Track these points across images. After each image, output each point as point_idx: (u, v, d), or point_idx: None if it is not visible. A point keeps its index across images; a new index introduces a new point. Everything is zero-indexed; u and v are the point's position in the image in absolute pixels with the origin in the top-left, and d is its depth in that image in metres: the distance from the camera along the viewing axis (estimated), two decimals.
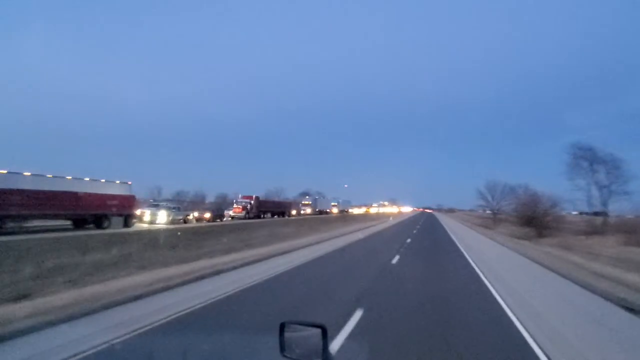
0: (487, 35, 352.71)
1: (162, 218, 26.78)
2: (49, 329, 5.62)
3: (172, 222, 26.97)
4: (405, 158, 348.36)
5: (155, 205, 29.60)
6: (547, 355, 5.07)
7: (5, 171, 17.24)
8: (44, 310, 6.24)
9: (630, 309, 7.86)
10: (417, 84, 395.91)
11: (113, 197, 22.65)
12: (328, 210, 65.94)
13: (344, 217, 54.05)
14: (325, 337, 1.87)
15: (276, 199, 58.80)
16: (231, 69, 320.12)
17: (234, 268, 11.74)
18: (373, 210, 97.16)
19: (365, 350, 4.98)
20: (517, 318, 6.92)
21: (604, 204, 35.26)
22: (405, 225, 48.34)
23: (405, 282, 10.43)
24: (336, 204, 70.09)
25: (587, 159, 35.33)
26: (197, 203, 52.02)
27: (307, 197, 67.16)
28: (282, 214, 47.74)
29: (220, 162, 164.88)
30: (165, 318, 6.31)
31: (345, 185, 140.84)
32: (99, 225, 21.10)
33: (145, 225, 24.31)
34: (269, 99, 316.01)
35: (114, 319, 6.31)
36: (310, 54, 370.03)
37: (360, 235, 27.58)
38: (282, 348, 1.93)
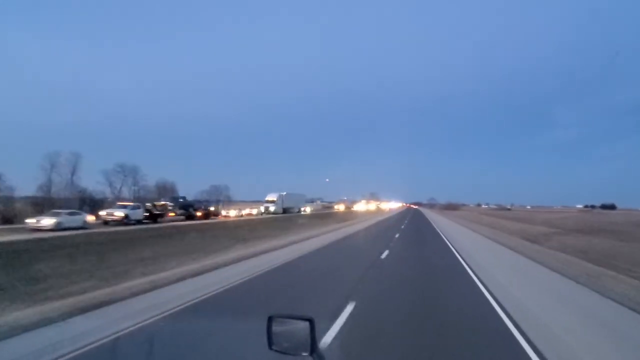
0: (474, 29, 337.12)
1: None
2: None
3: None
4: (395, 152, 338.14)
5: None
6: None
7: None
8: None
9: None
10: (403, 75, 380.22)
11: None
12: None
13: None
14: (313, 330, 1.85)
15: None
16: (199, 63, 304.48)
17: None
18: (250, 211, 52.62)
19: None
20: None
21: None
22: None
23: None
24: None
25: None
26: None
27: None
28: None
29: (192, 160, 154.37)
30: None
31: (327, 180, 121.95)
32: None
33: None
34: (244, 94, 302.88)
35: None
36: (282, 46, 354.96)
37: None
38: (270, 342, 1.94)
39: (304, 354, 1.83)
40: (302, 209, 61.78)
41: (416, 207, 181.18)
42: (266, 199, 53.49)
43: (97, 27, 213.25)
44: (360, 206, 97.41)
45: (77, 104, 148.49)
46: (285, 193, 54.69)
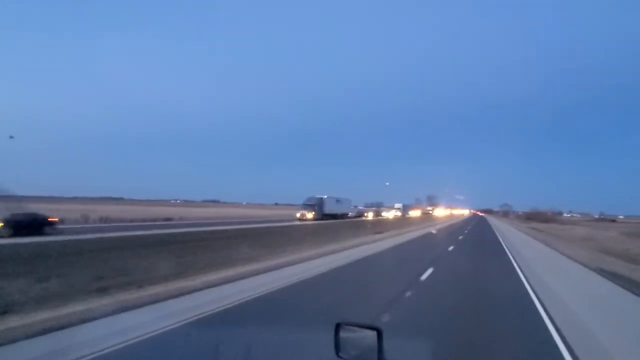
0: (554, 27, 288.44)
1: None
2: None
3: None
4: (464, 155, 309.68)
5: None
6: None
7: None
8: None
9: None
10: (476, 75, 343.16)
11: None
12: None
13: None
14: (381, 339, 1.85)
15: None
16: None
17: None
18: None
19: None
20: None
21: None
22: None
23: None
24: None
25: None
26: None
27: None
28: None
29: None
30: None
31: (387, 184, 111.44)
32: None
33: None
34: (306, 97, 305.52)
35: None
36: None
37: None
38: (338, 349, 1.95)
39: None
40: None
41: (482, 214, 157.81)
42: None
43: None
44: (389, 214, 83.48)
45: None
46: None
